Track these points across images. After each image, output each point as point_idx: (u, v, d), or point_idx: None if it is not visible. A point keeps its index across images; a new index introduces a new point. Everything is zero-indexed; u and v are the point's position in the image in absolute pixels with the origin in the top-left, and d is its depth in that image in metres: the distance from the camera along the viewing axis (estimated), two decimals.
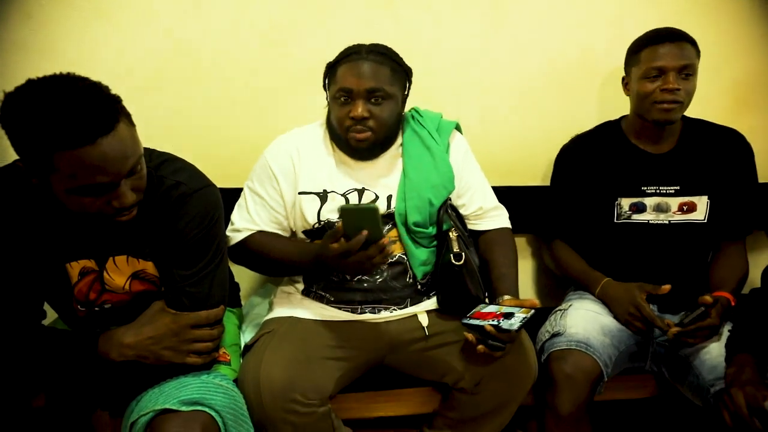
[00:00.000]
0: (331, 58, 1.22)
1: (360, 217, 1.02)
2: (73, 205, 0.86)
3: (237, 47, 1.44)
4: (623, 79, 1.39)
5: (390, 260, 1.22)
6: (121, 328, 0.96)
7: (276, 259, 1.20)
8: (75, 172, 0.80)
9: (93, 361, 0.94)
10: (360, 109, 1.13)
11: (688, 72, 1.27)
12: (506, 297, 1.17)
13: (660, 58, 1.27)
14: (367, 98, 1.14)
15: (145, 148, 0.98)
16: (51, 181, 0.83)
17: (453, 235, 1.23)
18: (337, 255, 1.04)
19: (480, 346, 1.07)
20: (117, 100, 0.85)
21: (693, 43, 1.30)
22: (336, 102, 1.17)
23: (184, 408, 0.92)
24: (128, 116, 0.87)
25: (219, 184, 1.06)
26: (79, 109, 0.78)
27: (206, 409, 0.94)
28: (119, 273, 1.01)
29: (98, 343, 0.94)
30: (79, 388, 1.02)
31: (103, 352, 0.94)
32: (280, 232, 1.25)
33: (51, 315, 1.11)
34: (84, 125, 0.78)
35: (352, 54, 1.17)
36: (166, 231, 0.99)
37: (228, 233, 1.24)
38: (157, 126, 1.42)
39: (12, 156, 0.90)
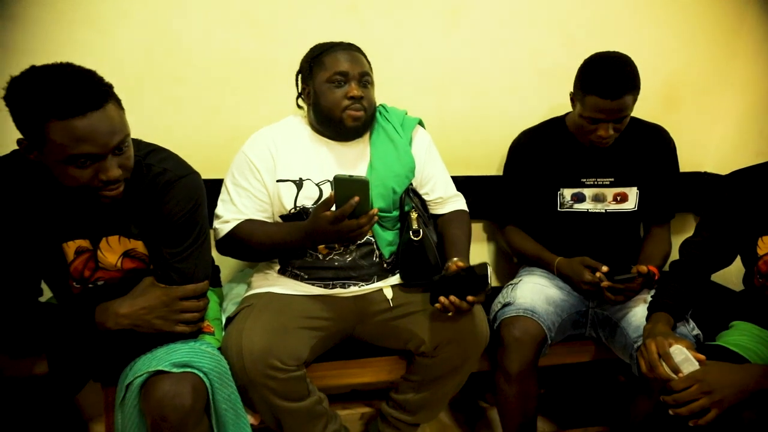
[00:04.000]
0: (299, 58, 1.35)
1: (352, 187, 1.12)
2: (65, 178, 0.94)
3: (213, 46, 1.52)
4: (571, 93, 1.45)
5: (358, 242, 1.34)
6: (117, 300, 1.06)
7: (266, 242, 1.28)
8: (66, 142, 0.89)
9: (90, 330, 1.04)
10: (357, 89, 1.28)
11: (624, 116, 1.37)
12: (455, 259, 1.30)
13: (600, 111, 1.34)
14: (359, 81, 1.29)
15: (133, 139, 1.09)
16: (45, 154, 0.92)
17: (413, 215, 1.38)
18: (330, 221, 1.14)
19: (451, 299, 1.19)
20: (109, 85, 0.96)
21: (636, 86, 1.35)
22: (330, 86, 1.29)
23: (175, 369, 1.02)
24: (118, 101, 0.97)
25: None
26: (72, 85, 0.89)
27: (195, 371, 1.04)
28: (112, 252, 1.11)
29: (95, 313, 1.04)
30: (77, 357, 1.11)
31: (100, 322, 1.04)
32: (266, 219, 1.34)
33: (45, 296, 1.19)
34: (76, 99, 0.89)
35: (335, 46, 1.32)
36: (155, 213, 1.08)
37: (216, 226, 1.32)
38: (139, 121, 1.50)
39: (12, 145, 0.99)
